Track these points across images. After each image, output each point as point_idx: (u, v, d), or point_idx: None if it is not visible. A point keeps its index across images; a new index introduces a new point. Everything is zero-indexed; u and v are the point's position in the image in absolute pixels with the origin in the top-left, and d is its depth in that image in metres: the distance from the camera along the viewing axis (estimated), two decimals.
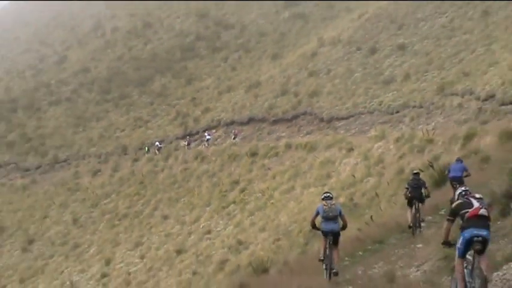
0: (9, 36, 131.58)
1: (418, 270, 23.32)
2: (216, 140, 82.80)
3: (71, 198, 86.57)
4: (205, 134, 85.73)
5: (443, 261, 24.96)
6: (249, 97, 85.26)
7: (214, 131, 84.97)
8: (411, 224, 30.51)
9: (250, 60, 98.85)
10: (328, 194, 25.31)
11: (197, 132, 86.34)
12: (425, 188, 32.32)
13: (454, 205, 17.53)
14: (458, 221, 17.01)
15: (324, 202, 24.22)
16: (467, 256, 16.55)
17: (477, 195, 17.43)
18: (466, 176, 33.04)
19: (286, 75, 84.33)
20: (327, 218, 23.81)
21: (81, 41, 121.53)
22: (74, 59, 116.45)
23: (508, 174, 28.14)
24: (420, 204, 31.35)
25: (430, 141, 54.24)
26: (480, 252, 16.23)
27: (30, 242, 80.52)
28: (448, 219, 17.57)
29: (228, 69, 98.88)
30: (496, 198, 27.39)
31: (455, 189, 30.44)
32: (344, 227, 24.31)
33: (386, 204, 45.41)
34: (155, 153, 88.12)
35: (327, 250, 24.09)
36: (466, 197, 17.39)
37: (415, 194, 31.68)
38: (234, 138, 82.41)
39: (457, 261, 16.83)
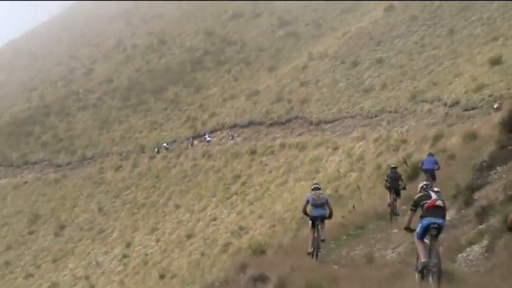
0: (44, 52, 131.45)
1: (393, 252, 23.39)
2: (221, 140, 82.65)
3: (97, 190, 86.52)
4: (206, 136, 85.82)
5: (414, 244, 25.03)
6: (249, 104, 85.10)
7: (218, 133, 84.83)
8: (390, 212, 31.00)
9: (250, 72, 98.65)
10: (317, 185, 25.56)
11: (204, 134, 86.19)
12: (401, 180, 32.65)
13: (416, 197, 17.94)
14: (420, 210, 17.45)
15: (313, 192, 24.50)
16: (425, 240, 17.03)
17: (435, 189, 18.02)
18: (437, 169, 33.21)
19: (280, 85, 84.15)
20: (315, 205, 24.20)
21: (105, 56, 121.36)
22: (99, 71, 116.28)
23: (470, 170, 28.20)
24: (396, 196, 31.68)
25: (404, 141, 54.32)
26: (435, 237, 16.91)
27: (62, 227, 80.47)
28: (411, 209, 18.00)
29: (231, 80, 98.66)
30: (461, 190, 27.46)
31: (430, 179, 32.45)
32: (330, 215, 24.54)
33: (366, 196, 45.42)
34: (163, 153, 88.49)
35: (315, 233, 24.41)
36: (426, 190, 17.81)
37: (393, 185, 32.14)
38: (231, 139, 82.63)
39: (417, 242, 17.37)
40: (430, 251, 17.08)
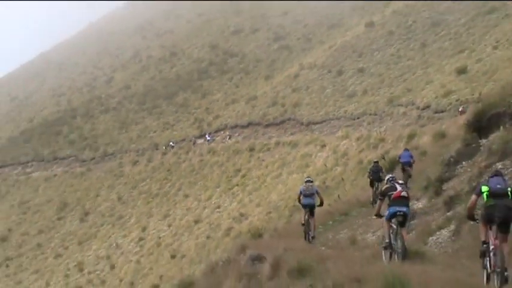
0: (71, 62, 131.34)
1: (373, 235, 23.40)
2: (224, 138, 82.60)
3: (116, 182, 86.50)
4: (206, 136, 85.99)
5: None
6: (248, 107, 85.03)
7: (222, 132, 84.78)
8: (372, 200, 31.12)
9: (249, 80, 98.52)
10: (309, 179, 26.23)
11: (205, 134, 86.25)
12: (382, 172, 32.75)
13: (383, 188, 18.45)
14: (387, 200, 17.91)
15: (304, 184, 25.17)
16: (392, 225, 17.49)
17: (400, 181, 18.58)
18: (413, 162, 33.15)
19: (275, 91, 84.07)
20: (305, 195, 24.73)
21: (124, 66, 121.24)
22: (119, 79, 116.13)
23: (440, 164, 28.17)
24: (379, 184, 31.44)
25: (382, 139, 54.32)
26: (401, 224, 17.29)
27: (86, 214, 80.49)
28: (379, 199, 18.71)
29: (233, 87, 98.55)
30: (431, 182, 27.44)
31: (405, 170, 33.15)
32: (321, 203, 25.14)
33: (349, 187, 45.46)
34: (170, 150, 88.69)
35: (306, 219, 24.95)
36: (392, 182, 18.13)
37: (375, 177, 32.61)
38: (229, 139, 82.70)
39: (384, 223, 18.00)
40: (396, 235, 17.42)
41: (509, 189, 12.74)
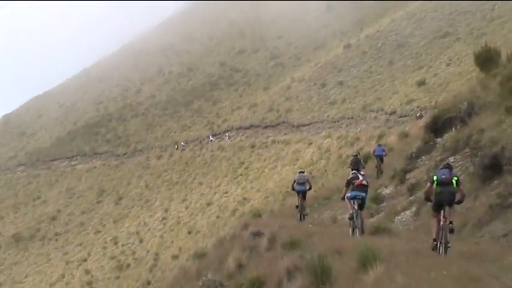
0: (107, 76, 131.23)
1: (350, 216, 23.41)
2: (230, 138, 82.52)
3: (144, 172, 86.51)
4: (210, 137, 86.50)
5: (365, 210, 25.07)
6: (250, 112, 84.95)
7: (228, 132, 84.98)
8: None
9: (250, 91, 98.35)
10: (301, 170, 27.22)
11: (219, 133, 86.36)
12: (361, 163, 32.72)
13: (349, 178, 19.11)
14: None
15: (298, 174, 25.79)
16: (354, 206, 18.25)
17: (362, 172, 19.51)
18: (385, 155, 33.36)
19: (271, 100, 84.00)
20: (298, 183, 25.07)
21: (150, 79, 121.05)
22: (146, 90, 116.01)
23: (404, 158, 28.22)
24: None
25: (357, 138, 54.38)
26: (360, 206, 18.20)
27: (120, 198, 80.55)
28: (345, 186, 19.07)
29: (238, 96, 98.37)
30: (397, 172, 27.47)
31: (379, 164, 33.32)
32: (310, 188, 25.60)
33: (331, 176, 45.48)
34: (182, 149, 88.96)
35: (300, 202, 25.25)
36: (355, 173, 18.92)
37: (355, 167, 32.16)
38: (228, 139, 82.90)
39: (346, 201, 18.82)
40: (357, 215, 18.22)
41: (455, 178, 13.56)
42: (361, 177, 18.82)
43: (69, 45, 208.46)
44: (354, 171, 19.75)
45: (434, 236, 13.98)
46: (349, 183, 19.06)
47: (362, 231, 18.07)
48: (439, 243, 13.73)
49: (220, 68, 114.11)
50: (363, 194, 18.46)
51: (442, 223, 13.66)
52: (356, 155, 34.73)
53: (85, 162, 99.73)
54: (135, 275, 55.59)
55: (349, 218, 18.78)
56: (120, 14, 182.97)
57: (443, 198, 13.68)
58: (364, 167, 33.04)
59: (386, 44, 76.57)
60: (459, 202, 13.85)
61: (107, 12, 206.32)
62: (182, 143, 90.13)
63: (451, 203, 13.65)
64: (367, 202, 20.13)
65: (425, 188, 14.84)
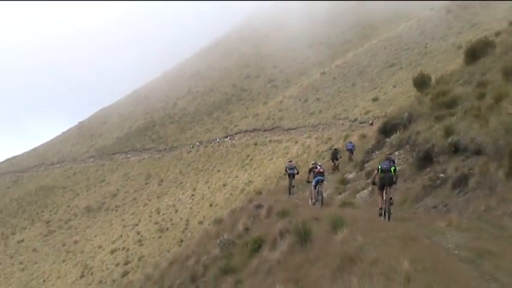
0: (152, 94, 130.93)
1: (325, 193, 23.32)
2: (238, 139, 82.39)
3: (178, 162, 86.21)
4: (217, 138, 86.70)
5: (335, 190, 24.93)
6: (254, 120, 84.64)
7: (238, 134, 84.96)
8: (331, 171, 31.21)
9: (254, 104, 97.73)
10: (290, 159, 30.40)
11: (219, 138, 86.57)
12: (338, 153, 33.35)
13: (310, 167, 20.48)
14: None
15: (288, 162, 27.31)
16: (318, 187, 19.16)
17: (319, 164, 20.78)
18: (354, 149, 33.07)
19: (269, 111, 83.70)
20: (289, 168, 26.07)
21: (183, 96, 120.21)
22: (180, 104, 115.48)
23: (362, 153, 28.16)
24: (336, 161, 32.32)
25: (330, 138, 54.24)
26: (321, 183, 19.26)
27: (161, 181, 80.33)
28: (308, 172, 20.64)
29: (245, 109, 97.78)
30: (358, 162, 27.42)
31: (350, 155, 32.93)
32: (297, 173, 26.22)
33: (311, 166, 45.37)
34: (197, 147, 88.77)
35: (290, 182, 26.21)
36: (315, 164, 20.32)
37: (334, 156, 32.84)
38: (230, 139, 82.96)
39: (312, 188, 19.71)
40: (317, 192, 19.16)
41: (393, 167, 14.18)
42: (318, 167, 19.92)
43: (125, 73, 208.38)
44: (313, 162, 21.08)
45: (380, 207, 14.47)
46: (310, 170, 20.34)
47: (322, 203, 18.76)
48: (383, 212, 14.13)
49: (233, 88, 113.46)
50: (322, 177, 19.40)
51: (385, 198, 14.08)
52: (335, 149, 34.91)
53: (137, 155, 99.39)
54: (172, 236, 55.60)
55: (312, 203, 19.66)
56: (162, 49, 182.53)
57: (385, 181, 14.14)
58: (340, 157, 33.14)
59: (350, 71, 76.47)
60: (395, 183, 14.40)
61: (152, 47, 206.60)
62: (197, 143, 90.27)
63: (390, 184, 14.10)
64: (326, 180, 21.00)
65: (373, 174, 15.40)
